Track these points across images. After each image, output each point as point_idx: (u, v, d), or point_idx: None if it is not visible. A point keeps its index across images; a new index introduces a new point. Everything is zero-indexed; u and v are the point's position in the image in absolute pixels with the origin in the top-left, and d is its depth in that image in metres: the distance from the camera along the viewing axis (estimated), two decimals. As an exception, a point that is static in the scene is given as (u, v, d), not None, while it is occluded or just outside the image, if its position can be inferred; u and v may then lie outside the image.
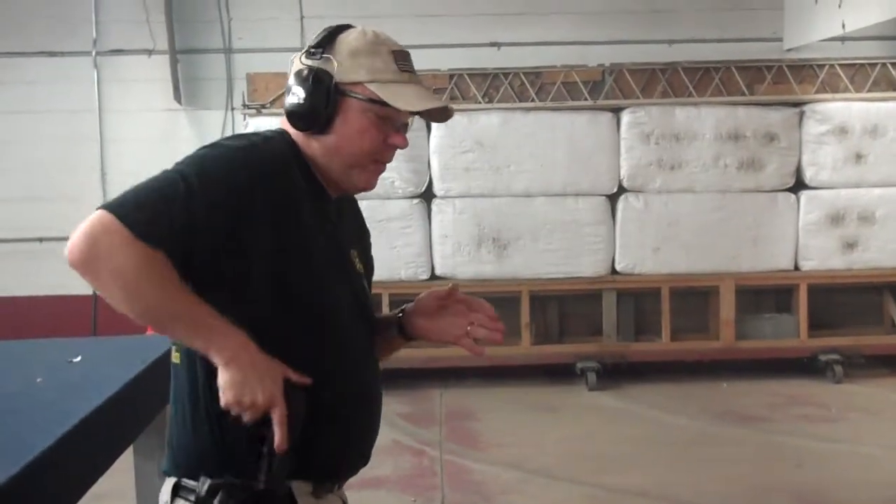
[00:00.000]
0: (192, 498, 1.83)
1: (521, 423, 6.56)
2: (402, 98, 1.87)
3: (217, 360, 1.76)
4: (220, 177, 1.78)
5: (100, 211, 1.73)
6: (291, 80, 1.90)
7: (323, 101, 1.86)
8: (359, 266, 2.05)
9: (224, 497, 1.79)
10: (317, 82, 1.87)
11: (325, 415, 1.87)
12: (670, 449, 5.91)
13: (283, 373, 1.78)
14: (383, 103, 1.87)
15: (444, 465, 5.68)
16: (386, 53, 1.89)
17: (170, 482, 1.92)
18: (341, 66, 1.87)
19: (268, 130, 1.97)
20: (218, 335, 1.75)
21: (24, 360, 3.14)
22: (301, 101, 1.88)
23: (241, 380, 1.74)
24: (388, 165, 1.99)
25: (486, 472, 5.56)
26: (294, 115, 1.90)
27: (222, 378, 1.75)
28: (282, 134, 1.95)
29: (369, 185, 1.96)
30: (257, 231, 1.80)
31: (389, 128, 1.91)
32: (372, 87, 1.87)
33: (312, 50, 1.90)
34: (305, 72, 1.88)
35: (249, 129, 1.85)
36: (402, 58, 1.91)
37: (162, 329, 1.80)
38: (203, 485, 1.81)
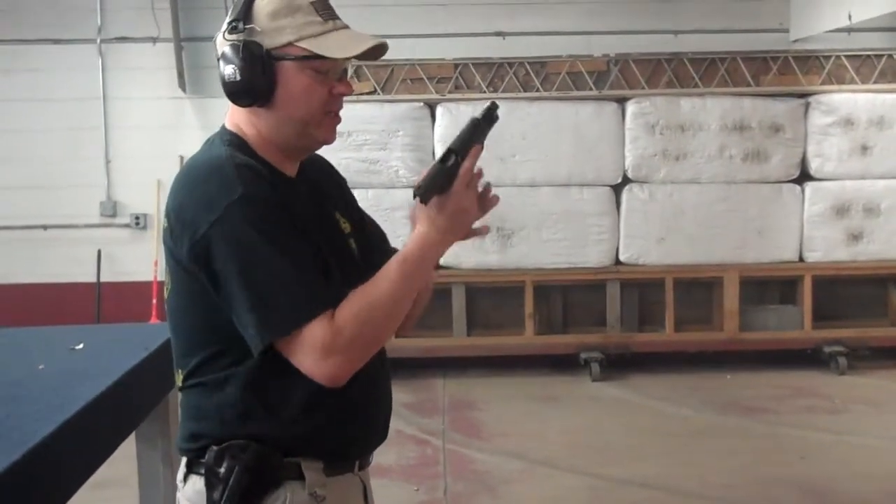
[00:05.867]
0: (202, 470, 1.86)
1: (524, 413, 6.56)
2: (336, 47, 1.84)
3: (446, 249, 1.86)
4: (273, 225, 1.79)
5: (290, 338, 1.76)
6: (221, 61, 1.86)
7: (258, 71, 1.83)
8: (344, 226, 2.03)
9: (230, 461, 1.82)
10: (247, 54, 1.83)
11: (313, 398, 1.85)
12: (674, 440, 5.91)
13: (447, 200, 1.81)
14: (317, 57, 1.84)
15: (447, 455, 5.69)
16: (306, 6, 1.85)
17: (184, 461, 1.94)
18: (265, 33, 1.83)
19: (216, 150, 1.88)
20: (420, 259, 1.83)
21: (26, 346, 3.14)
22: (237, 78, 1.84)
23: (455, 223, 1.82)
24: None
25: (488, 461, 5.56)
26: (234, 93, 1.87)
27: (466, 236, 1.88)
28: (224, 147, 1.88)
29: (329, 139, 1.93)
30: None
31: (331, 79, 1.88)
32: (302, 44, 1.83)
33: (233, 24, 1.85)
34: (233, 48, 1.84)
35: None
36: (321, 7, 1.87)
37: (421, 301, 1.95)
38: (210, 454, 1.84)
